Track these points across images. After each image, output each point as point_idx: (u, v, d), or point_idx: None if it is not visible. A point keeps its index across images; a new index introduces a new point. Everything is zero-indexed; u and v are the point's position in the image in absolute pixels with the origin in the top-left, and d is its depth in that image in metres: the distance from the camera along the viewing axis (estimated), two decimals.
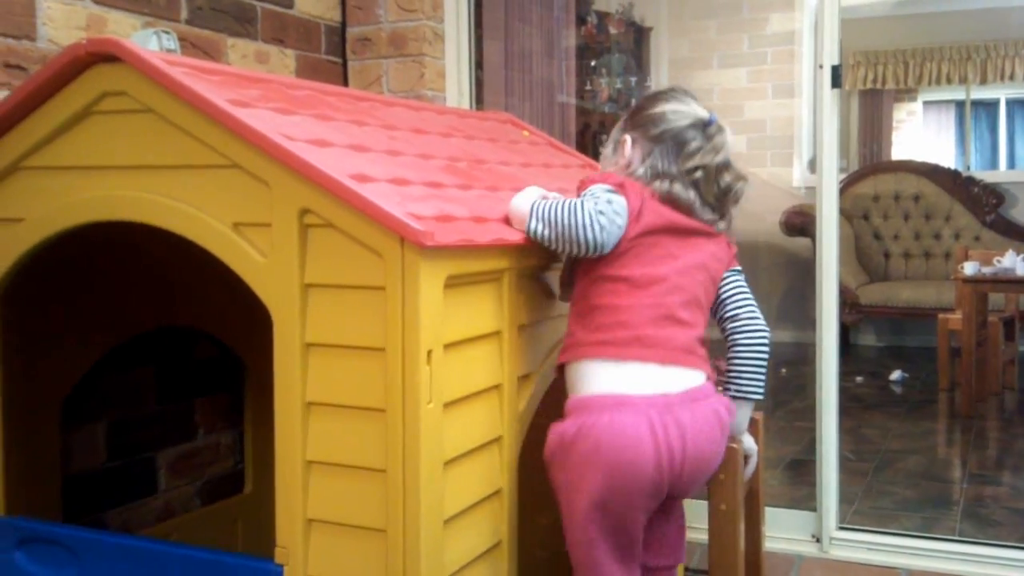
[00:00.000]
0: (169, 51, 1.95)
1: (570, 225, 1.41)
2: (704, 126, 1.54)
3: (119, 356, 1.92)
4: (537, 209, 1.44)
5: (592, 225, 1.40)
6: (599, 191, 1.46)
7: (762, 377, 1.58)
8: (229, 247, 1.33)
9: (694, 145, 1.52)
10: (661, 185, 1.51)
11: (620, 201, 1.45)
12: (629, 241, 1.45)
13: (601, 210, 1.42)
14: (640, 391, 1.40)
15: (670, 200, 1.50)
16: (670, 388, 1.42)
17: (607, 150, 1.65)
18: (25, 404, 1.62)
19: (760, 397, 1.59)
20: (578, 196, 1.48)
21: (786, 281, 5.81)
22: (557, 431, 1.44)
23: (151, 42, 1.94)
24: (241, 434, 2.28)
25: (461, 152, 1.77)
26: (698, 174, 1.51)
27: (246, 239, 1.32)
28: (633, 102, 1.67)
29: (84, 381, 1.80)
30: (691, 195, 1.51)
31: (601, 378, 1.42)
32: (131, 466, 2.03)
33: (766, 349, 1.59)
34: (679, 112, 1.55)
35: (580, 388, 1.45)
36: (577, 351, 1.46)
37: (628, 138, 1.58)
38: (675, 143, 1.53)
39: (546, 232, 1.43)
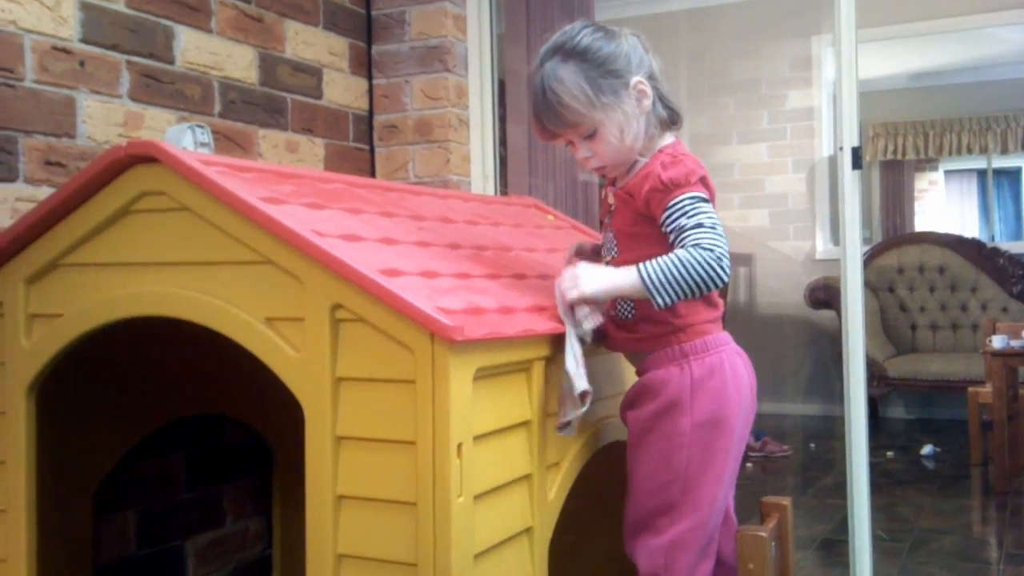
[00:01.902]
0: (203, 144, 2.01)
1: (699, 282, 1.40)
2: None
3: (149, 443, 1.93)
4: (654, 283, 1.41)
5: (721, 269, 1.40)
6: (703, 209, 1.44)
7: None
8: (262, 342, 1.35)
9: (657, 67, 1.54)
10: (672, 117, 1.54)
11: (711, 206, 1.46)
12: None
13: (717, 243, 1.40)
14: (709, 334, 1.54)
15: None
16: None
17: (610, 107, 1.48)
18: (58, 494, 1.64)
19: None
20: (671, 197, 1.45)
21: (812, 354, 5.78)
22: (676, 375, 1.51)
23: (186, 136, 2.00)
24: (269, 520, 2.28)
25: (488, 240, 1.80)
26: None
27: (279, 333, 1.34)
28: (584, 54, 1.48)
29: (115, 469, 1.82)
30: None
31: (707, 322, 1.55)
32: (160, 555, 2.04)
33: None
34: (635, 45, 1.53)
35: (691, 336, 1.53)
36: (712, 325, 1.55)
37: (641, 80, 1.50)
38: (651, 60, 1.53)
39: (677, 298, 1.42)
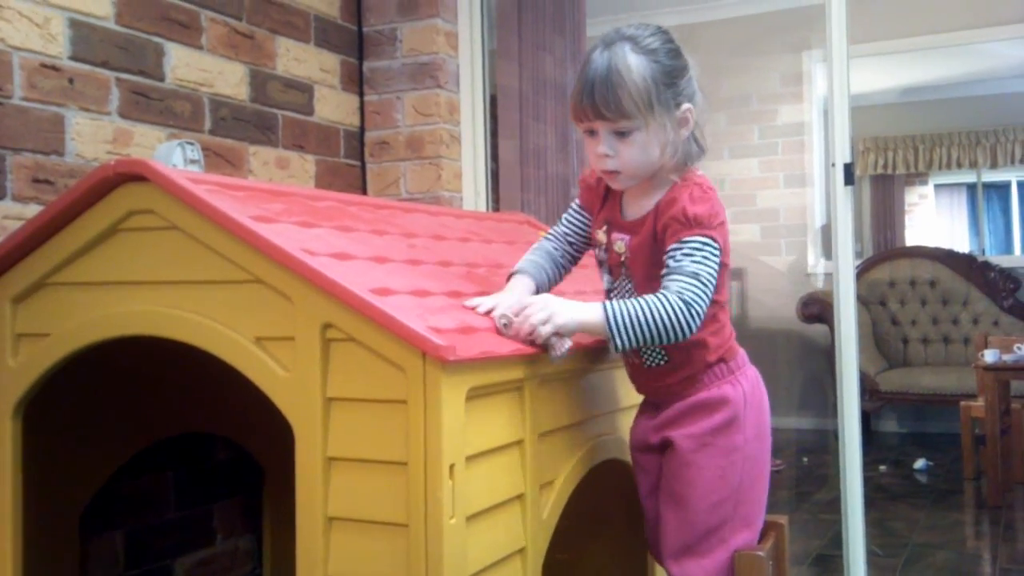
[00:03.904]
0: (193, 161, 2.00)
1: (662, 335, 1.38)
2: None
3: (138, 462, 1.92)
4: (618, 326, 1.38)
5: (689, 329, 1.38)
6: (708, 260, 1.40)
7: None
8: (252, 361, 1.34)
9: (702, 100, 1.50)
10: (698, 153, 1.51)
11: (719, 258, 1.43)
12: None
13: (699, 301, 1.38)
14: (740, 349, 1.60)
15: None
16: None
17: (660, 116, 1.43)
18: (46, 514, 1.62)
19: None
20: (689, 233, 1.41)
21: (805, 368, 5.77)
22: (732, 391, 1.53)
23: (176, 153, 1.99)
24: (259, 538, 2.26)
25: (480, 257, 1.80)
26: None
27: (269, 353, 1.33)
28: (656, 50, 1.45)
29: (104, 489, 1.80)
30: None
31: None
32: (149, 574, 2.02)
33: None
34: (694, 74, 1.49)
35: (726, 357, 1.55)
36: (732, 349, 1.57)
37: (691, 108, 1.47)
38: (699, 103, 1.49)
39: (633, 345, 1.39)
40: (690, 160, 1.50)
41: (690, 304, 1.37)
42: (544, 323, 1.38)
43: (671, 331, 1.38)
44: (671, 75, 1.44)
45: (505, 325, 1.40)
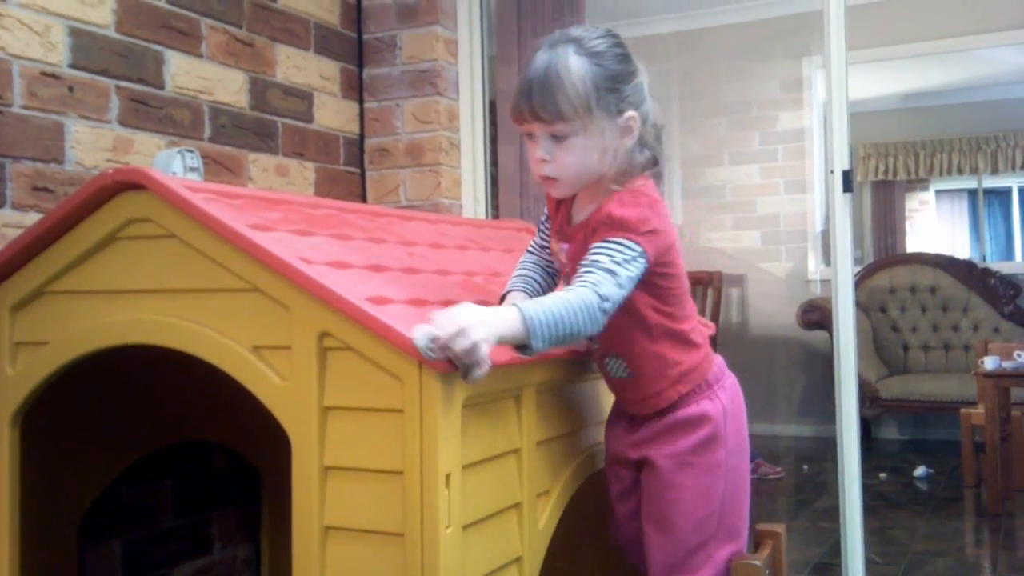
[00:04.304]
0: (192, 169, 2.01)
1: (576, 334, 1.28)
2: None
3: (136, 471, 1.92)
4: (538, 327, 1.24)
5: (597, 324, 1.30)
6: (628, 262, 1.33)
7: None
8: (249, 370, 1.34)
9: (653, 112, 1.45)
10: (647, 165, 1.45)
11: (642, 265, 1.36)
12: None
13: (611, 297, 1.30)
14: (718, 359, 1.58)
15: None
16: None
17: (599, 121, 1.39)
18: (44, 523, 1.62)
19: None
20: (612, 234, 1.35)
21: (805, 375, 5.77)
22: (711, 407, 1.51)
23: (175, 161, 2.00)
24: (258, 546, 2.26)
25: (478, 265, 1.80)
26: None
27: (265, 362, 1.33)
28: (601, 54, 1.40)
29: (101, 497, 1.80)
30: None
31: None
32: None
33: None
34: (644, 82, 1.44)
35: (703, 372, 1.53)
36: (705, 363, 1.53)
37: (635, 117, 1.41)
38: (648, 114, 1.44)
39: (549, 347, 1.27)
40: (636, 170, 1.43)
41: (605, 299, 1.29)
42: (459, 339, 1.16)
43: (583, 327, 1.28)
44: (615, 79, 1.39)
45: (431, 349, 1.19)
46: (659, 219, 1.39)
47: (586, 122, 1.37)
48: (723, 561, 1.51)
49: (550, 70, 1.37)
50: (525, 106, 1.38)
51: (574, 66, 1.37)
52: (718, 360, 1.57)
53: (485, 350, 1.17)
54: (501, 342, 1.22)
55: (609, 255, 1.34)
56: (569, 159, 1.40)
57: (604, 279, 1.31)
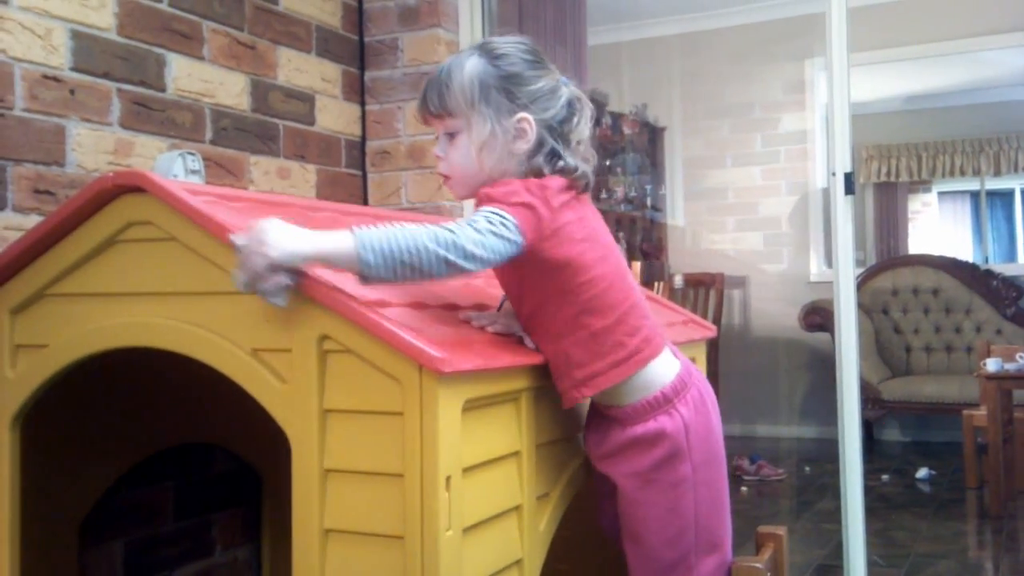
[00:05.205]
0: (193, 171, 2.01)
1: (422, 265, 1.22)
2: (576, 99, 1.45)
3: (137, 473, 1.92)
4: (369, 248, 1.20)
5: (457, 258, 1.24)
6: (497, 218, 1.29)
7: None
8: (249, 373, 1.34)
9: (578, 122, 1.43)
10: (558, 164, 1.39)
11: (513, 230, 1.30)
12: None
13: (471, 239, 1.25)
14: (677, 370, 1.47)
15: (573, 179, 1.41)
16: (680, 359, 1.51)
17: (485, 119, 1.38)
18: (44, 525, 1.62)
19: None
20: (481, 206, 1.33)
21: (807, 377, 5.77)
22: (668, 423, 1.44)
23: (176, 163, 2.00)
24: (258, 549, 2.26)
25: None
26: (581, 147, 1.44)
27: (265, 365, 1.33)
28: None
29: (102, 499, 1.80)
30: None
31: (658, 371, 1.45)
32: None
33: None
34: (556, 92, 1.42)
35: (648, 388, 1.44)
36: (622, 369, 1.42)
37: (527, 119, 1.39)
38: (565, 117, 1.43)
39: (388, 278, 1.22)
40: (531, 175, 1.39)
41: (458, 246, 1.23)
42: (256, 255, 1.18)
43: (429, 264, 1.22)
44: (508, 80, 1.38)
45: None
46: (533, 197, 1.33)
47: (469, 118, 1.39)
48: (708, 573, 1.48)
49: (445, 68, 1.41)
50: (421, 102, 1.43)
51: (467, 65, 1.40)
52: (679, 371, 1.47)
53: (284, 279, 1.20)
54: (326, 263, 1.22)
55: (476, 218, 1.29)
56: (456, 155, 1.42)
57: (463, 227, 1.26)
